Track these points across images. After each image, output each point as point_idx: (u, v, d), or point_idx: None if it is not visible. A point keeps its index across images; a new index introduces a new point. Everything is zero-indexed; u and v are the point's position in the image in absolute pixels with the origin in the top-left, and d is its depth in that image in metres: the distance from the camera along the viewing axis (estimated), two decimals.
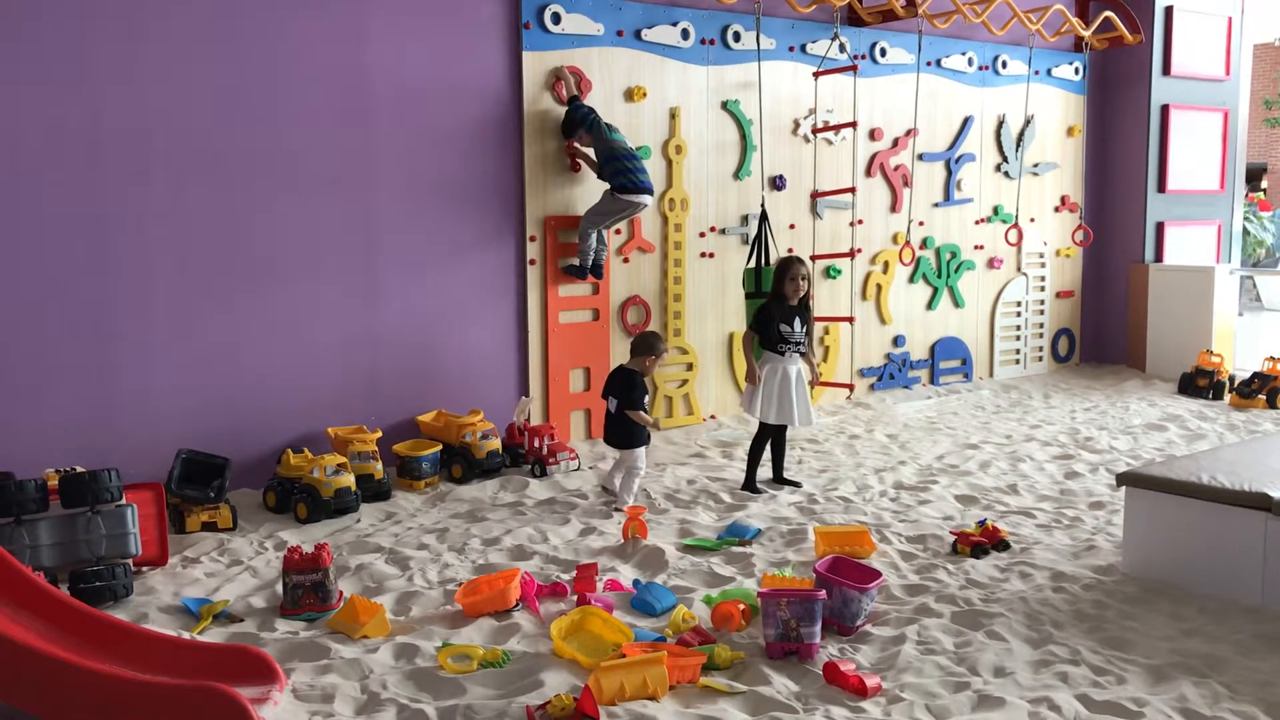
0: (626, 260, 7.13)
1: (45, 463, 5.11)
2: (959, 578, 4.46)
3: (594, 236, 6.69)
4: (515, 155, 6.63)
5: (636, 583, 4.39)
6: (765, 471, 6.01)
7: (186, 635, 3.84)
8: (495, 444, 6.09)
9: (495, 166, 6.56)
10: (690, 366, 7.51)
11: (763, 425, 5.88)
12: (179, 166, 5.54)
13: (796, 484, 5.95)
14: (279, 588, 4.27)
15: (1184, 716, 3.24)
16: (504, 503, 5.64)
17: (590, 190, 6.85)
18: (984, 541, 4.76)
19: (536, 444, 6.21)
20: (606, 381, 5.79)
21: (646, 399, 5.72)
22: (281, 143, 5.83)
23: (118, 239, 5.41)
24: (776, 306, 5.80)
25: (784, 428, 5.96)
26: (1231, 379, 8.60)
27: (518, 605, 4.12)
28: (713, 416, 7.65)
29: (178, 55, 5.49)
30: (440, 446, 6.01)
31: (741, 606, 3.96)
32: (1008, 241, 9.11)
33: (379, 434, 5.91)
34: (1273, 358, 8.35)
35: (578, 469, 6.25)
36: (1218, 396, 8.48)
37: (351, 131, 6.05)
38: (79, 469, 4.64)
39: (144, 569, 4.60)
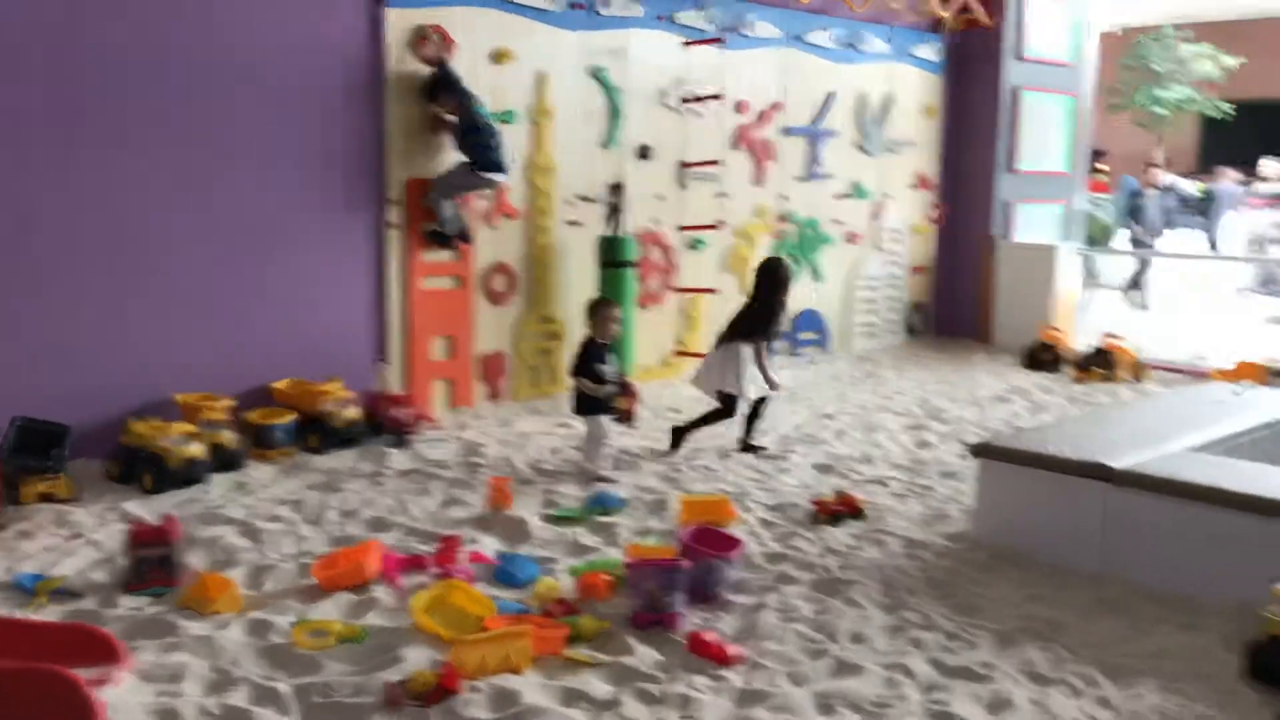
0: (493, 226, 7.01)
1: None
2: (817, 545, 4.55)
3: (448, 205, 6.55)
4: (376, 117, 6.42)
5: (500, 554, 4.34)
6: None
7: (20, 614, 3.64)
8: (354, 413, 5.93)
9: (355, 128, 6.35)
10: (555, 335, 7.44)
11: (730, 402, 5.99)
12: (18, 122, 5.18)
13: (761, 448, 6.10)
14: (123, 562, 4.06)
15: (1030, 678, 3.38)
16: (363, 473, 5.50)
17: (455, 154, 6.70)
18: (841, 510, 4.87)
19: (397, 414, 6.07)
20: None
21: (609, 368, 5.60)
22: (126, 101, 5.51)
23: None
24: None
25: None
26: (1072, 353, 8.99)
27: (377, 579, 4.01)
28: None
29: (9, 8, 5.13)
30: (296, 415, 5.82)
31: (606, 577, 3.96)
32: (874, 218, 9.32)
33: (231, 401, 5.68)
34: (1110, 334, 8.77)
35: (440, 439, 6.14)
36: (1058, 370, 8.86)
37: (200, 90, 5.75)
38: None
39: None
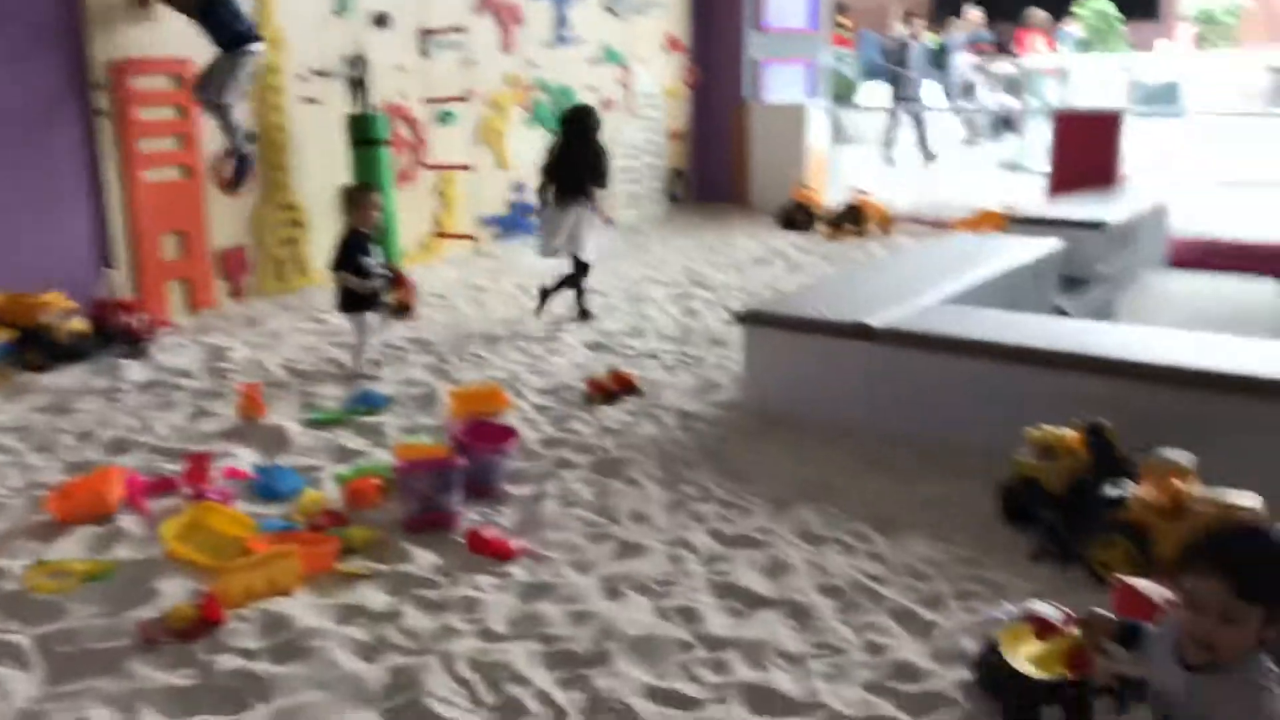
0: None
1: None
2: (593, 426, 4.50)
3: (231, 112, 5.91)
4: None
5: (258, 467, 4.06)
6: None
7: None
8: (79, 325, 5.39)
9: (45, 3, 5.61)
10: (298, 224, 6.98)
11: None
12: None
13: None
14: None
15: (805, 540, 3.46)
16: (96, 390, 5.02)
17: (169, 27, 6.04)
18: (615, 389, 4.82)
19: (128, 321, 5.55)
20: None
21: (374, 260, 5.16)
22: None
23: None
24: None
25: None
26: (825, 211, 9.23)
27: (121, 508, 3.68)
28: None
29: None
30: (13, 332, 5.23)
31: (376, 482, 3.78)
32: (631, 84, 9.16)
33: None
34: (860, 190, 9.04)
35: (181, 346, 5.68)
36: (813, 229, 9.08)
37: None
38: None
39: None
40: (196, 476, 3.86)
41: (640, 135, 9.70)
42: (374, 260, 5.21)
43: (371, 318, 5.26)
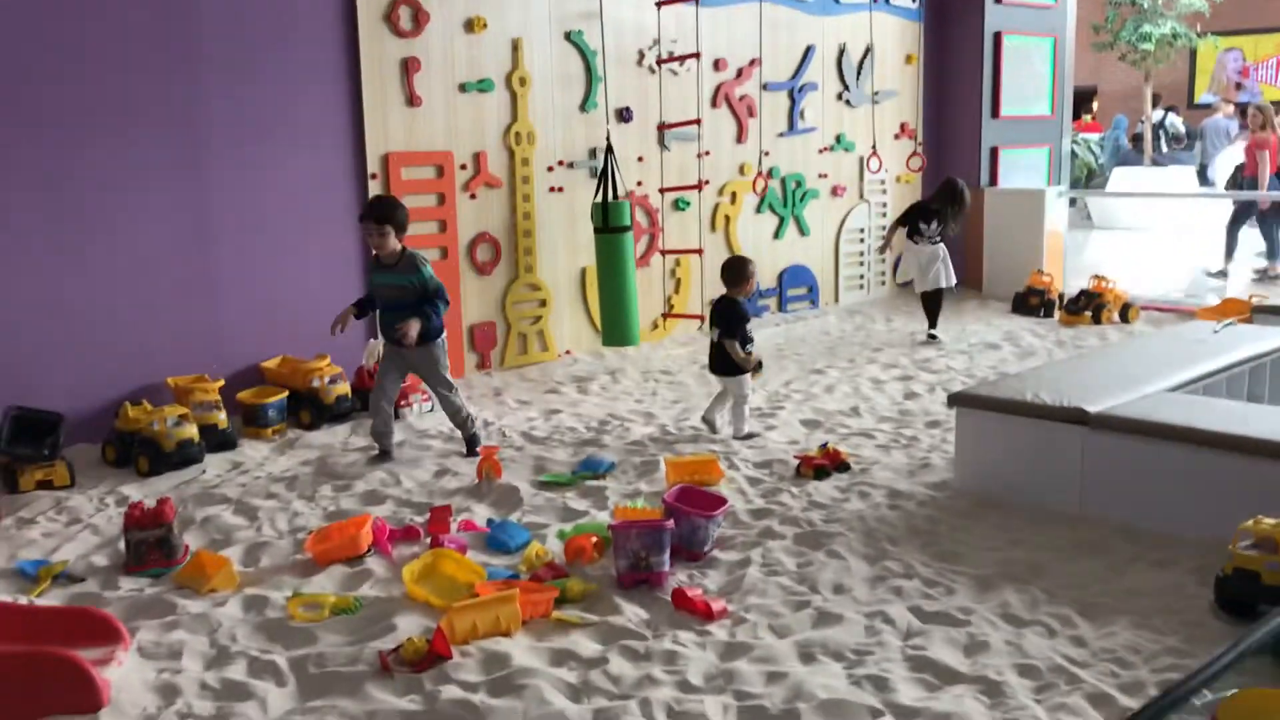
0: (473, 196, 7.05)
1: None
2: (802, 500, 4.63)
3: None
4: (352, 85, 6.43)
5: (491, 522, 4.42)
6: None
7: (24, 600, 3.72)
8: (344, 388, 6.01)
9: (330, 98, 6.37)
10: (543, 303, 7.50)
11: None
12: None
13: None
14: (121, 545, 4.15)
15: (1007, 620, 3.46)
16: (355, 448, 5.58)
17: (432, 124, 6.71)
18: (826, 464, 4.94)
19: None
20: (710, 312, 5.75)
21: (750, 327, 5.63)
22: (99, 77, 5.53)
23: None
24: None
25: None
26: (1061, 297, 9.03)
27: (370, 551, 4.11)
28: (568, 352, 7.69)
29: None
30: (287, 393, 5.90)
31: (594, 539, 4.03)
32: (869, 169, 9.36)
33: (221, 382, 5.75)
34: (1098, 276, 8.81)
35: (430, 410, 6.21)
36: (1048, 314, 8.91)
37: (174, 63, 5.77)
38: None
39: None
40: (437, 526, 4.25)
41: (869, 220, 9.82)
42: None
43: (747, 380, 5.60)
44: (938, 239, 8.04)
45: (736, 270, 5.70)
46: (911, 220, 8.08)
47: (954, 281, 8.18)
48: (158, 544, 4.03)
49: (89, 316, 5.60)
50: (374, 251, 5.31)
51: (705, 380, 6.91)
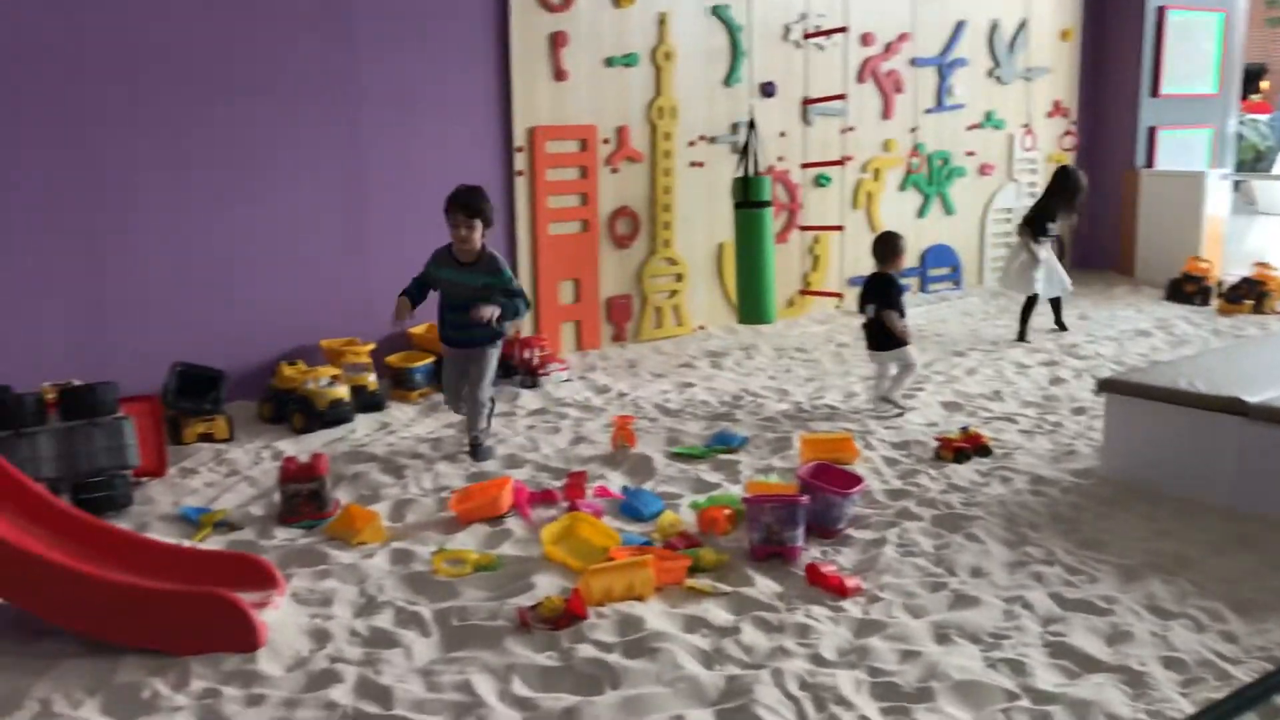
0: (615, 170, 7.12)
1: (40, 377, 5.14)
2: (940, 482, 4.56)
3: None
4: (501, 58, 6.55)
5: (625, 489, 4.49)
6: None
7: (188, 543, 3.95)
8: None
9: (480, 70, 6.50)
10: (680, 277, 7.54)
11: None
12: (163, 77, 5.50)
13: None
14: (276, 497, 4.36)
15: (1152, 612, 3.36)
16: (496, 413, 5.71)
17: (577, 98, 6.80)
18: (966, 447, 4.85)
19: (527, 355, 6.27)
20: (862, 290, 5.71)
21: (904, 299, 5.63)
22: (266, 50, 5.77)
23: (106, 152, 5.39)
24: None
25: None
26: (1219, 284, 8.65)
27: (510, 512, 4.22)
28: (702, 327, 7.71)
29: None
30: (433, 358, 6.07)
31: (727, 511, 4.06)
32: (1021, 147, 9.11)
33: (372, 345, 5.96)
34: (1261, 263, 8.40)
35: (568, 380, 6.32)
36: (1205, 303, 8.54)
37: (333, 37, 5.98)
38: (76, 383, 4.70)
39: (143, 480, 4.69)
40: (574, 491, 4.34)
41: (1017, 200, 9.54)
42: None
43: (911, 350, 5.60)
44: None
45: (889, 245, 5.66)
46: (1039, 221, 7.41)
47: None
48: (310, 497, 4.22)
49: (250, 279, 5.87)
50: (450, 245, 5.00)
51: (840, 358, 6.87)
